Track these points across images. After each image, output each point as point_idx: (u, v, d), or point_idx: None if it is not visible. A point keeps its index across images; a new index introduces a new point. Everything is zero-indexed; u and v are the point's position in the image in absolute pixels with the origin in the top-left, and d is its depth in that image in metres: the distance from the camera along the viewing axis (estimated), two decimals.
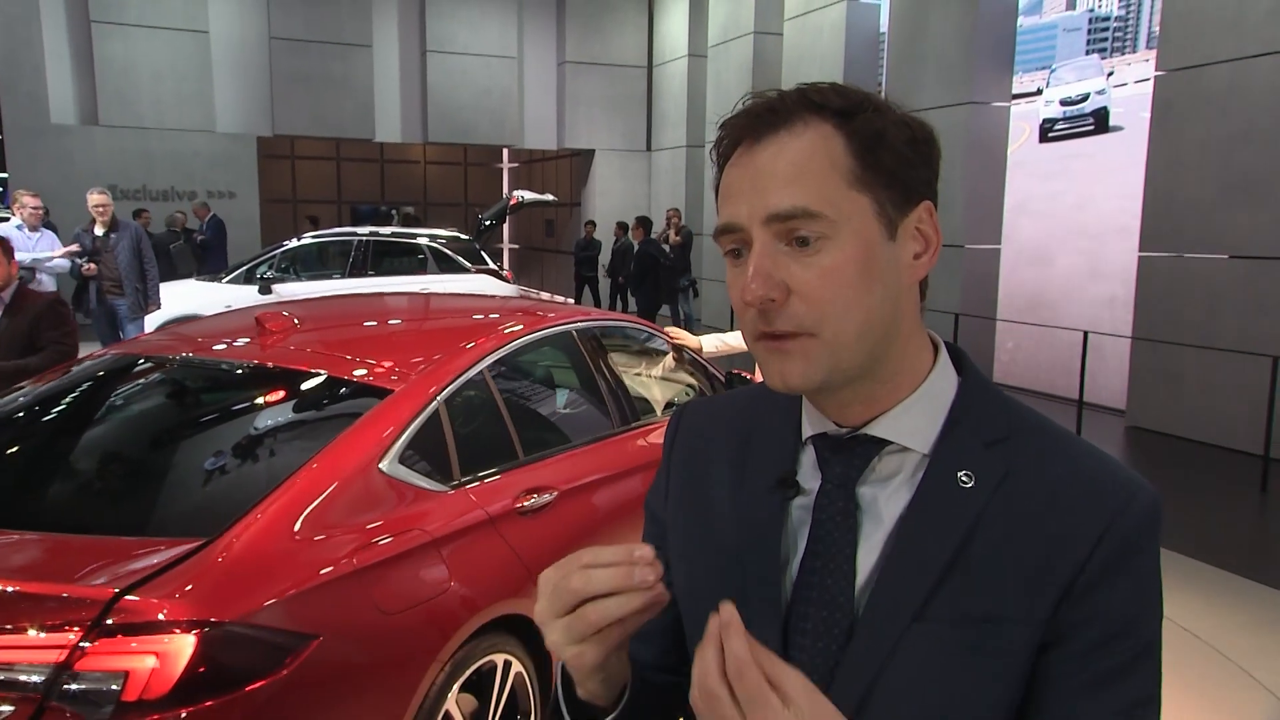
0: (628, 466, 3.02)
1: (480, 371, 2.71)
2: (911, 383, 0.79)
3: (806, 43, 12.02)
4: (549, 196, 11.91)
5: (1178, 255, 7.36)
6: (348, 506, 2.15)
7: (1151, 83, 7.61)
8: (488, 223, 10.93)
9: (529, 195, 11.19)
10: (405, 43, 15.63)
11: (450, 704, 2.23)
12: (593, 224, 14.57)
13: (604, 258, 14.05)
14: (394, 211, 16.54)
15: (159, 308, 7.37)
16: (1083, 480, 0.74)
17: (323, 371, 2.56)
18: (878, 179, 0.73)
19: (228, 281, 9.18)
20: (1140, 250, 7.67)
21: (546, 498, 2.64)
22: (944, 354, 0.82)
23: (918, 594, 0.73)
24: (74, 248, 7.22)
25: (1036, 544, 0.73)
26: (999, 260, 9.75)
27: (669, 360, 3.96)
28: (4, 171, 14.01)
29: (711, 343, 3.69)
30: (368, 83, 15.05)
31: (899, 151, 0.74)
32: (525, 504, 2.56)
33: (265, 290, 8.73)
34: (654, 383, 3.91)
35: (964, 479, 0.75)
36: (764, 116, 0.75)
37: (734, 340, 3.70)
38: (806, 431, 0.82)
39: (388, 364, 2.60)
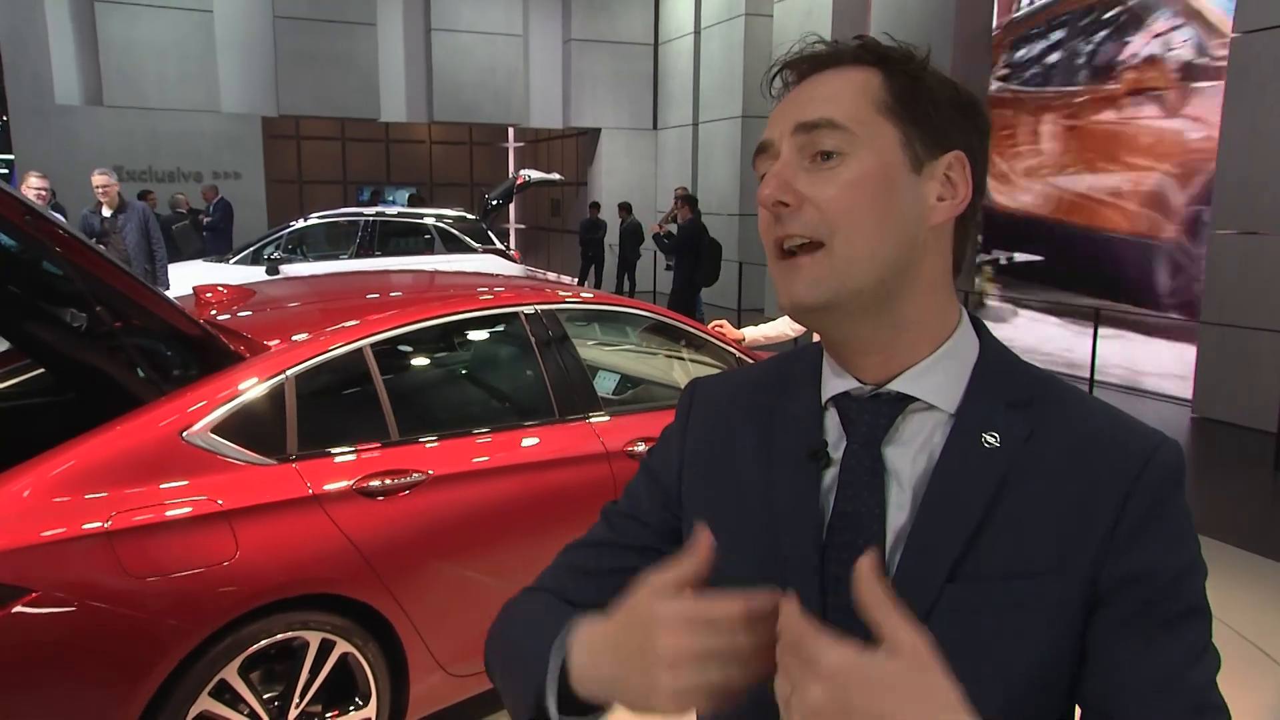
0: (550, 457, 2.91)
1: (358, 350, 2.66)
2: (934, 339, 0.80)
3: (794, 25, 12.09)
4: (555, 176, 11.84)
5: (1253, 234, 6.88)
6: (129, 470, 2.20)
7: (1228, 45, 7.04)
8: (494, 202, 10.87)
9: (535, 174, 11.12)
10: (409, 21, 15.51)
11: (230, 674, 2.26)
12: (597, 204, 14.54)
13: (611, 238, 14.02)
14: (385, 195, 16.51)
15: (168, 288, 7.37)
16: (1106, 435, 0.76)
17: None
18: (907, 113, 0.76)
19: (235, 262, 9.17)
20: (1212, 229, 7.18)
21: (404, 481, 2.57)
22: (966, 318, 0.83)
23: (949, 554, 0.74)
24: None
25: (1064, 499, 0.74)
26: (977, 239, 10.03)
27: (668, 346, 3.91)
28: (10, 153, 13.98)
29: (752, 334, 3.67)
30: (372, 62, 14.96)
31: (936, 98, 0.77)
32: (370, 485, 2.51)
33: (273, 271, 8.73)
34: (647, 368, 3.88)
35: (989, 439, 0.76)
36: (815, 58, 0.80)
37: (773, 330, 3.70)
38: (828, 393, 0.82)
39: (256, 337, 2.64)
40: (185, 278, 8.19)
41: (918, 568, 0.74)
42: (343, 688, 2.52)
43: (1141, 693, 0.72)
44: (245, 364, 2.50)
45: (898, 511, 0.77)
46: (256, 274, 8.45)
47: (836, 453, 0.81)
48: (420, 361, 3.20)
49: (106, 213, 7.19)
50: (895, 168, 0.75)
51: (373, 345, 2.70)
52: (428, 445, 2.70)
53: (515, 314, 3.12)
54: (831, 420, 0.82)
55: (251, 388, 2.44)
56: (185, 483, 2.26)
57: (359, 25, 14.76)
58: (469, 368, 3.48)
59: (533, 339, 3.08)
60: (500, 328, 3.28)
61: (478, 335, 3.37)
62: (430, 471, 2.62)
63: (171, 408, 2.34)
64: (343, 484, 2.48)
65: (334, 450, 2.54)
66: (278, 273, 8.64)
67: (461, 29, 15.53)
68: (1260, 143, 6.78)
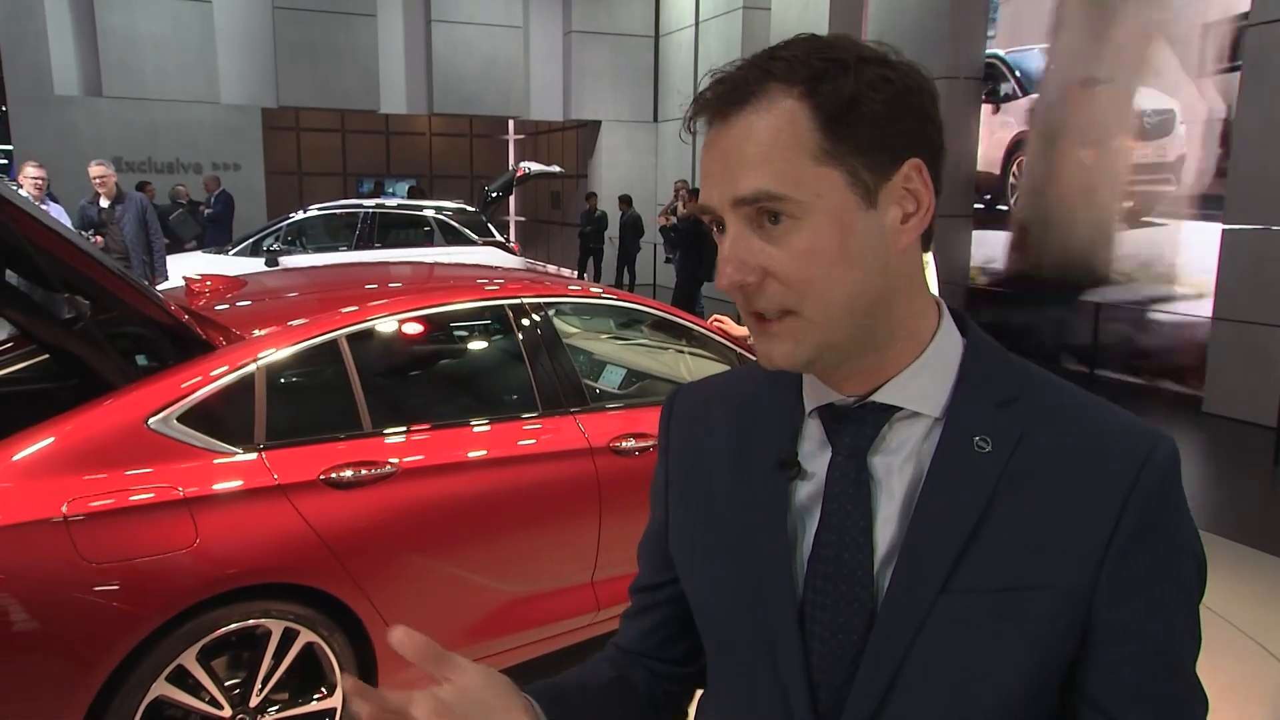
0: (528, 451, 2.86)
1: (333, 341, 2.65)
2: (916, 346, 0.77)
3: (792, 18, 12.09)
4: (555, 168, 11.82)
5: (1267, 228, 6.67)
6: (91, 457, 2.23)
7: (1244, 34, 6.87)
8: (494, 195, 10.85)
9: (535, 167, 11.09)
10: (409, 12, 15.46)
11: (188, 660, 2.29)
12: (594, 195, 14.52)
13: (611, 230, 13.99)
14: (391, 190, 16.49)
15: (166, 279, 7.36)
16: (1100, 437, 0.74)
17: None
18: (849, 148, 0.70)
19: (234, 254, 9.15)
20: (1225, 223, 7.00)
21: (374, 472, 2.55)
22: (947, 315, 0.80)
23: (943, 565, 0.72)
24: None
25: (1060, 507, 0.72)
26: (969, 228, 10.12)
27: (665, 340, 3.88)
28: (9, 144, 13.95)
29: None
30: (372, 53, 14.92)
31: (875, 114, 0.70)
32: (337, 475, 2.50)
33: (272, 262, 8.71)
34: (641, 363, 3.85)
35: (980, 444, 0.73)
36: (729, 95, 0.72)
37: None
38: (810, 404, 0.80)
39: (234, 327, 2.66)
40: (185, 269, 8.19)
41: (910, 579, 0.73)
42: (312, 677, 2.53)
43: (1133, 687, 0.72)
44: (216, 353, 2.51)
45: (886, 523, 0.75)
46: (256, 265, 8.44)
47: (816, 462, 0.79)
48: (398, 353, 3.17)
49: (104, 203, 7.19)
50: (848, 214, 0.70)
51: (349, 336, 2.69)
52: (400, 437, 2.68)
53: (500, 307, 3.07)
54: (815, 430, 0.80)
55: (219, 377, 2.45)
56: (148, 470, 2.27)
57: (359, 16, 14.72)
58: (449, 360, 3.44)
59: (517, 332, 3.04)
60: (483, 320, 3.24)
61: (459, 328, 3.33)
62: (400, 463, 2.60)
63: (137, 396, 2.35)
64: (309, 474, 2.47)
65: (302, 440, 2.53)
66: (277, 264, 8.62)
67: (462, 20, 15.48)
68: (1276, 133, 6.58)
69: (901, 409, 0.76)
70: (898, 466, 0.75)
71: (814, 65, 0.70)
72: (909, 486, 0.75)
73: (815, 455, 0.79)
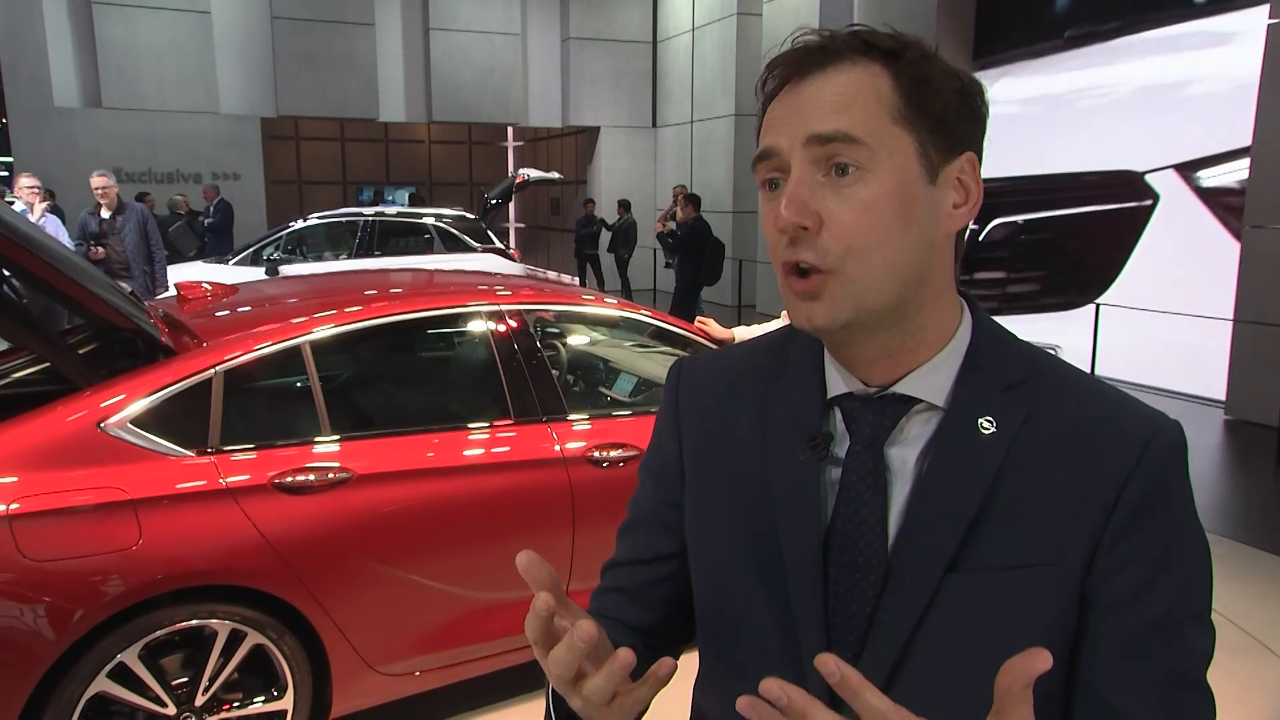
0: (494, 460, 2.83)
1: (296, 347, 2.66)
2: (940, 340, 0.78)
3: (784, 25, 12.11)
4: (555, 174, 11.82)
5: None
6: (43, 458, 2.28)
7: (1265, 31, 6.70)
8: (493, 202, 10.86)
9: (534, 173, 11.10)
10: (408, 20, 15.50)
11: (129, 658, 2.32)
12: (592, 201, 14.52)
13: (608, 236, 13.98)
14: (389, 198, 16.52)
15: (166, 290, 7.37)
16: (1105, 417, 0.75)
17: (132, 335, 2.67)
18: (922, 120, 0.73)
19: (234, 263, 9.17)
20: (1245, 223, 6.88)
21: (326, 479, 2.56)
22: (968, 314, 0.81)
23: (948, 545, 0.73)
24: None
25: (1064, 485, 0.72)
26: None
27: (649, 345, 3.85)
28: (9, 156, 13.98)
29: (742, 334, 3.58)
30: (371, 62, 14.95)
31: (946, 97, 0.74)
32: (289, 480, 2.51)
33: (272, 271, 8.73)
34: (625, 371, 3.82)
35: (985, 425, 0.75)
36: (813, 54, 0.74)
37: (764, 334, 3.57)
38: (831, 391, 0.80)
39: (205, 334, 2.70)
40: (184, 279, 8.19)
41: (916, 560, 0.73)
42: (267, 678, 2.55)
43: (1118, 664, 0.72)
44: (174, 359, 2.55)
45: (900, 512, 0.75)
46: (256, 275, 8.45)
47: (839, 450, 0.79)
48: (362, 360, 3.16)
49: (105, 214, 7.20)
50: (913, 182, 0.72)
51: (313, 343, 2.69)
52: (357, 444, 2.67)
53: (475, 313, 3.05)
54: (834, 417, 0.80)
55: (175, 381, 2.48)
56: (97, 471, 2.31)
57: (357, 25, 14.74)
58: (419, 368, 3.41)
59: (491, 339, 3.00)
60: (457, 327, 3.21)
61: (432, 335, 3.30)
62: (355, 470, 2.60)
63: (91, 400, 2.40)
64: (260, 478, 2.49)
65: (256, 445, 2.55)
66: (277, 273, 8.64)
67: (460, 28, 15.50)
68: None
69: (920, 401, 0.77)
70: (915, 458, 0.76)
71: (897, 40, 0.75)
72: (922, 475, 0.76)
73: (837, 444, 0.80)
